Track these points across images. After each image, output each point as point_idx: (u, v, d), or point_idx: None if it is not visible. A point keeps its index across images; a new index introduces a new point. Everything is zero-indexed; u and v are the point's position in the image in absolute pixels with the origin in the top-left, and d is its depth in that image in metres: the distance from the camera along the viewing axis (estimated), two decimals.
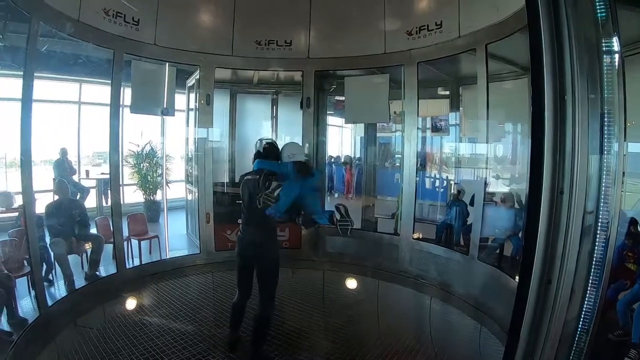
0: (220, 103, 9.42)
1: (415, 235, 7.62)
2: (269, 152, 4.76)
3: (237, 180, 9.19)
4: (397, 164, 10.04)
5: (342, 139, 16.76)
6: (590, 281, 2.23)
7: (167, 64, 7.63)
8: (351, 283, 7.54)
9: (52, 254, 6.52)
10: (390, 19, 7.67)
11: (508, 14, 5.91)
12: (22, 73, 5.44)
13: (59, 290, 6.48)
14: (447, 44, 6.98)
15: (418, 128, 7.80)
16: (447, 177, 10.35)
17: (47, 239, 6.45)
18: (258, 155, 4.79)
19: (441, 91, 10.31)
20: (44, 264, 6.23)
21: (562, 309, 2.27)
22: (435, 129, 10.64)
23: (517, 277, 5.29)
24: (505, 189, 7.69)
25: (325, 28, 8.16)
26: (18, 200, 7.44)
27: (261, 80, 10.51)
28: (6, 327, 5.09)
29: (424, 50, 7.32)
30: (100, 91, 9.95)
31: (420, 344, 5.13)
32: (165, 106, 7.62)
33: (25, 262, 5.99)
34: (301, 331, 5.52)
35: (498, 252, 7.06)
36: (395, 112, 8.48)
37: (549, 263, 2.25)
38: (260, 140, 4.92)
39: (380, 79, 7.98)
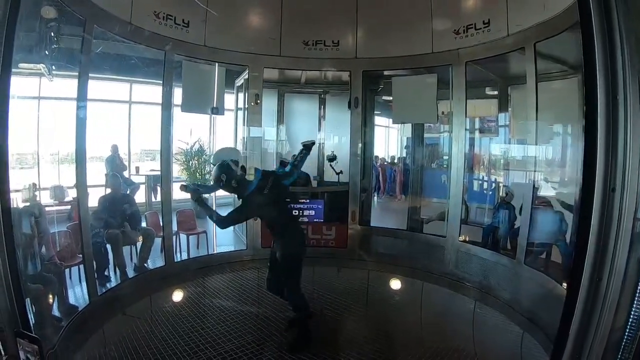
0: (269, 103, 9.50)
1: (462, 238, 7.54)
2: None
3: None
4: (445, 165, 9.95)
5: (388, 140, 16.65)
6: None
7: (217, 64, 7.77)
8: (395, 283, 7.49)
9: (108, 247, 6.74)
10: (438, 18, 7.60)
11: (556, 12, 5.78)
12: (77, 74, 5.69)
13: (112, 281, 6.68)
14: (495, 43, 6.88)
15: (466, 129, 7.71)
16: (495, 179, 10.18)
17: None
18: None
19: (489, 91, 10.13)
20: (100, 259, 6.47)
21: (611, 305, 2.25)
22: (484, 130, 10.49)
23: (564, 284, 5.29)
24: (553, 193, 7.51)
25: (373, 28, 8.17)
26: (69, 194, 7.71)
27: (308, 80, 10.56)
28: (57, 313, 5.27)
29: (471, 50, 7.24)
30: (149, 91, 10.20)
31: (461, 348, 5.08)
32: (215, 105, 7.77)
33: (78, 252, 6.15)
34: (340, 329, 5.59)
35: (544, 257, 6.86)
36: (443, 113, 8.42)
37: (600, 260, 2.24)
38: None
39: (428, 78, 7.92)
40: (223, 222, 4.91)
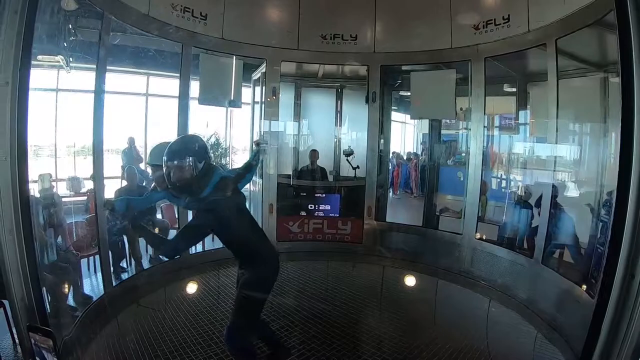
0: (286, 97, 9.48)
1: (478, 236, 7.48)
2: None
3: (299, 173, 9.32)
4: (460, 162, 9.88)
5: (404, 136, 16.57)
6: None
7: (235, 57, 7.76)
8: (410, 280, 7.45)
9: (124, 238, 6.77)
10: (457, 13, 7.52)
11: (575, 7, 5.70)
12: (94, 66, 5.70)
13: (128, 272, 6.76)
14: (516, 38, 6.77)
15: (484, 126, 7.63)
16: (514, 177, 10.07)
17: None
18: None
19: (507, 88, 10.02)
20: (116, 250, 6.56)
21: None
22: (503, 127, 10.39)
23: (584, 286, 5.23)
24: (575, 193, 7.41)
25: (391, 22, 8.12)
26: (86, 186, 7.76)
27: (326, 74, 10.49)
28: (72, 303, 5.31)
29: (491, 46, 7.15)
30: (167, 83, 10.21)
31: (474, 347, 5.02)
32: (232, 98, 7.76)
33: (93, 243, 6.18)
34: (355, 325, 5.52)
35: (558, 257, 6.76)
36: (461, 109, 8.34)
37: (634, 257, 2.20)
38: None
39: (447, 74, 7.81)
40: (172, 246, 3.70)
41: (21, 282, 3.21)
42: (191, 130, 9.68)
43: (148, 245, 7.24)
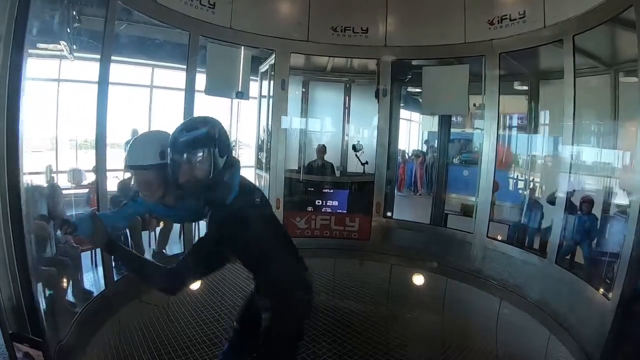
0: (293, 90, 9.34)
1: (489, 235, 7.32)
2: None
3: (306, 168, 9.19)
4: (468, 160, 9.78)
5: (409, 133, 16.53)
6: None
7: (243, 47, 7.62)
8: (418, 278, 7.34)
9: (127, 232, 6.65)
10: (471, 8, 7.36)
11: (593, 3, 5.52)
12: (98, 55, 5.52)
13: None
14: (532, 34, 6.60)
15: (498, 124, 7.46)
16: (531, 178, 9.95)
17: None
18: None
19: (517, 86, 9.89)
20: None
21: None
22: (516, 126, 10.33)
23: (600, 289, 5.11)
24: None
25: (403, 16, 7.94)
26: (87, 178, 7.64)
27: (335, 68, 10.35)
28: (71, 298, 5.17)
29: (506, 41, 6.99)
30: (172, 76, 10.09)
31: (482, 348, 4.92)
32: (240, 89, 7.60)
33: None
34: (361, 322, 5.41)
35: (569, 258, 6.73)
36: (474, 105, 8.19)
37: None
38: None
39: (459, 69, 7.67)
40: (177, 277, 2.60)
41: (8, 280, 2.99)
42: None
43: (152, 240, 7.13)
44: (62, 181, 8.44)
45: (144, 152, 2.74)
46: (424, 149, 15.40)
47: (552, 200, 6.59)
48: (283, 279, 2.76)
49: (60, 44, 5.78)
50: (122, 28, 6.86)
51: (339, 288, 6.58)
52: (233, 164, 2.65)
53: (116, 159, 9.66)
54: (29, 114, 3.15)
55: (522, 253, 6.83)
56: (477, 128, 7.66)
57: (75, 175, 8.28)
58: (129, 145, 2.92)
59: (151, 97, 11.43)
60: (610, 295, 4.74)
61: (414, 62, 8.59)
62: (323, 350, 4.66)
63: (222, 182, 2.58)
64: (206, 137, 2.52)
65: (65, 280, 4.99)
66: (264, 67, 9.44)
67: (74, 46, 6.06)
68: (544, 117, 9.41)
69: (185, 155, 2.49)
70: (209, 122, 2.61)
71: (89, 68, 5.85)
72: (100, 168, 5.69)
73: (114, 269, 5.73)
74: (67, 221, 2.82)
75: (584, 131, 7.73)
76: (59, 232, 5.30)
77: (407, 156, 15.37)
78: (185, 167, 2.51)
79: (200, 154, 2.50)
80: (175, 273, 2.55)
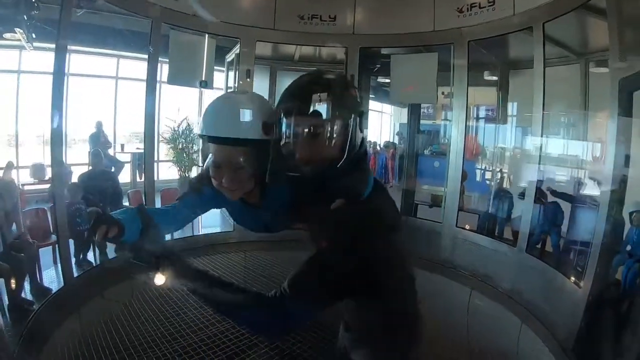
0: (260, 80, 9.19)
1: (459, 225, 7.28)
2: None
3: None
4: (438, 152, 9.77)
5: (381, 125, 16.54)
6: None
7: (207, 35, 7.43)
8: None
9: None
10: None
11: None
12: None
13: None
14: (501, 22, 6.53)
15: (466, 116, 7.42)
16: (500, 168, 9.98)
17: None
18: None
19: (487, 76, 9.87)
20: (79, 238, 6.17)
21: None
22: (483, 117, 10.36)
23: (572, 277, 5.11)
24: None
25: (372, 3, 7.81)
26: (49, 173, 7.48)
27: (303, 57, 10.26)
28: (29, 296, 4.98)
29: (475, 29, 6.92)
30: (138, 66, 9.90)
31: (454, 339, 4.88)
32: (203, 78, 7.41)
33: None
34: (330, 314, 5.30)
35: (540, 246, 6.75)
36: (443, 93, 8.13)
37: None
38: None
39: (428, 57, 7.58)
40: (287, 316, 1.60)
41: None
42: (163, 115, 9.42)
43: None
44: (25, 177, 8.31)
45: (246, 120, 1.82)
46: (397, 140, 15.42)
47: (523, 195, 6.60)
48: (411, 313, 1.91)
49: (16, 32, 5.58)
50: (80, 15, 6.61)
51: None
52: (364, 143, 1.85)
53: (79, 153, 9.51)
54: None
55: (493, 242, 6.83)
56: (446, 119, 7.58)
57: (37, 170, 8.12)
58: (210, 108, 1.91)
59: (116, 89, 11.18)
60: (581, 283, 4.73)
61: (383, 51, 8.52)
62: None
63: (362, 167, 1.81)
64: (353, 98, 1.77)
65: (14, 278, 4.76)
66: (230, 57, 9.24)
67: (33, 35, 5.86)
68: (512, 108, 9.43)
69: (321, 119, 1.66)
70: (349, 80, 1.92)
71: (49, 58, 5.61)
72: (56, 162, 5.42)
73: (74, 265, 5.58)
74: (105, 219, 1.58)
75: (554, 122, 7.74)
76: (13, 227, 5.11)
77: (378, 148, 15.35)
78: (320, 139, 1.67)
79: (341, 121, 1.68)
80: (283, 308, 1.58)
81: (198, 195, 2.07)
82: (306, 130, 1.66)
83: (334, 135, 1.67)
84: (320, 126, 1.65)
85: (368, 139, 10.54)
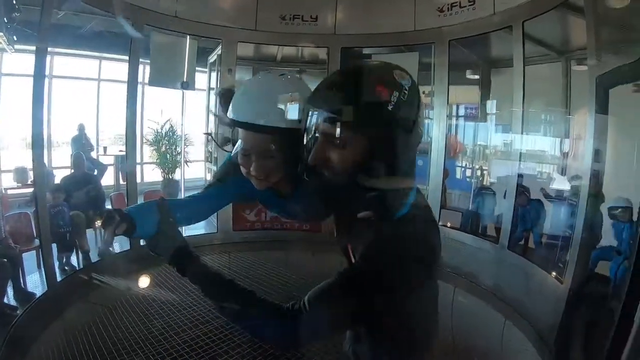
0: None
1: (441, 223, 7.30)
2: None
3: None
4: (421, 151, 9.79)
5: None
6: None
7: (188, 36, 7.43)
8: None
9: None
10: None
11: None
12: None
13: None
14: (481, 21, 6.63)
15: (447, 115, 7.61)
16: (480, 166, 10.03)
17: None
18: None
19: (470, 75, 9.93)
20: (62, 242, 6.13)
21: None
22: (465, 115, 10.40)
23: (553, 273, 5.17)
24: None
25: (353, 3, 7.83)
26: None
27: (285, 57, 10.30)
28: (12, 301, 4.93)
29: (455, 28, 7.01)
30: (121, 68, 9.87)
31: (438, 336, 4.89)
32: (185, 79, 7.40)
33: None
34: None
35: (522, 243, 6.79)
36: (424, 92, 8.17)
37: None
38: None
39: (409, 57, 7.59)
40: (304, 332, 1.40)
41: None
42: (145, 116, 9.37)
43: (98, 238, 6.84)
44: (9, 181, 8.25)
45: (279, 106, 1.61)
46: None
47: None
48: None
49: None
50: (61, 16, 6.58)
51: (292, 280, 6.52)
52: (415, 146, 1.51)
53: (62, 156, 9.45)
54: None
55: (476, 240, 6.93)
56: (427, 117, 7.62)
57: (20, 174, 8.07)
58: (242, 90, 1.73)
59: (99, 91, 11.10)
60: (563, 279, 4.77)
61: (365, 51, 8.53)
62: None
63: (405, 178, 1.49)
64: (382, 105, 1.28)
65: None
66: (212, 58, 9.24)
67: (14, 37, 5.81)
68: (491, 106, 9.47)
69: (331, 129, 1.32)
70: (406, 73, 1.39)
71: (31, 61, 5.58)
72: (38, 164, 5.42)
73: (57, 269, 5.55)
74: (115, 215, 1.49)
75: (535, 120, 7.81)
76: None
77: None
78: (330, 147, 1.35)
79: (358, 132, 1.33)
80: (298, 322, 1.39)
81: (223, 185, 1.95)
82: (317, 134, 1.38)
83: (352, 146, 1.33)
84: (330, 134, 1.33)
85: None
